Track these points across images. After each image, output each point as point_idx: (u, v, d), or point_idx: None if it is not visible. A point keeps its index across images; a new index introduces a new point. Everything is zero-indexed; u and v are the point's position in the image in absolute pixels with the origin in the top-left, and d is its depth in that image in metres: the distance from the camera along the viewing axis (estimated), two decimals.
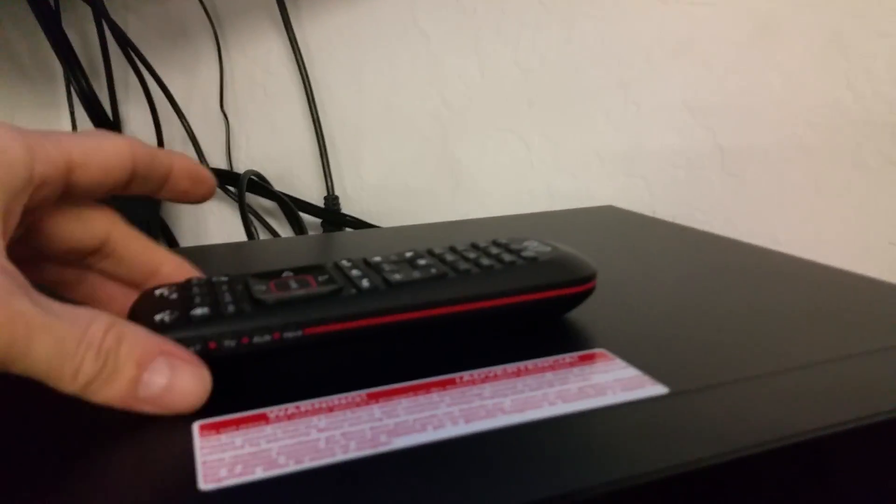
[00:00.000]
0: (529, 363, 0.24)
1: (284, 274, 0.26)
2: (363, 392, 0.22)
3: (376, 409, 0.21)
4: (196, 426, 0.20)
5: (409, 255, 0.27)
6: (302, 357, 0.25)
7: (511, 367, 0.24)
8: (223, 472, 0.18)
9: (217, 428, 0.20)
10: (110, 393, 0.19)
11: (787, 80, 0.51)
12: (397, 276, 0.25)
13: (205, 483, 0.17)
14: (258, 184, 0.68)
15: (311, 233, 0.69)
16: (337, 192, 0.68)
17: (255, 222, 0.70)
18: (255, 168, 0.70)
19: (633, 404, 0.21)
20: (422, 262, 0.26)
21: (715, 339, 0.26)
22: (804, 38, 0.50)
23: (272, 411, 0.21)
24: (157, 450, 0.19)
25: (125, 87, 0.74)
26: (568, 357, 0.25)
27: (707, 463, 0.18)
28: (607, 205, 0.56)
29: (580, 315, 0.28)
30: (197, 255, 0.28)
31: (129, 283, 0.27)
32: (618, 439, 0.19)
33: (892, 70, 0.47)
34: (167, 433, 0.20)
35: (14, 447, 0.19)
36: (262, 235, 0.71)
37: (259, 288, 0.24)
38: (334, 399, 0.22)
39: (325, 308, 0.23)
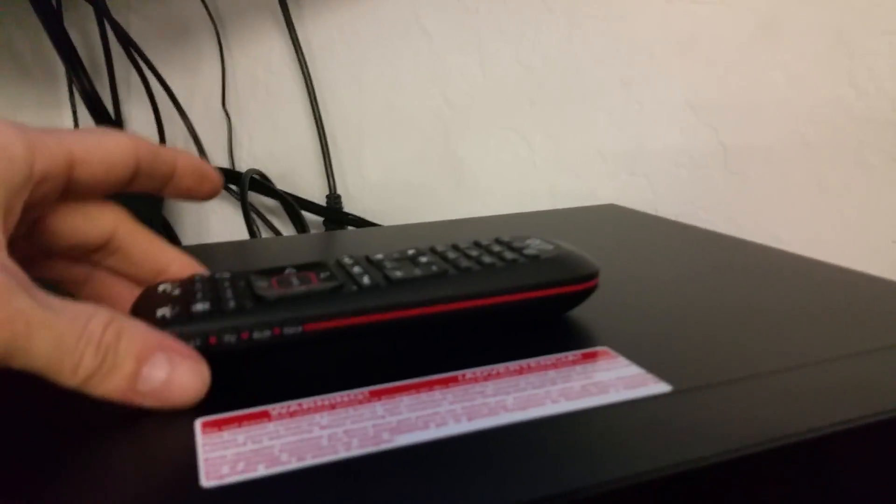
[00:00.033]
0: (532, 361, 0.24)
1: (287, 271, 0.26)
2: (365, 389, 0.22)
3: (379, 407, 0.21)
4: (198, 423, 0.20)
5: (411, 252, 0.27)
6: (304, 354, 0.25)
7: (514, 364, 0.24)
8: (225, 470, 0.18)
9: (219, 425, 0.20)
10: (110, 387, 0.20)
11: (790, 79, 0.51)
12: (398, 274, 0.25)
13: (207, 480, 0.17)
14: (260, 182, 0.68)
15: (313, 231, 0.69)
16: (339, 191, 0.68)
17: (258, 221, 0.70)
18: (257, 167, 0.70)
19: (636, 402, 0.21)
20: (423, 259, 0.26)
21: (717, 337, 0.26)
22: (807, 36, 0.50)
23: (274, 408, 0.21)
24: (159, 447, 0.19)
25: (127, 87, 0.74)
26: (571, 355, 0.25)
27: (710, 461, 0.18)
28: (609, 203, 0.56)
29: (583, 313, 0.28)
30: (199, 253, 0.28)
31: (137, 281, 0.27)
32: (621, 437, 0.19)
33: None
34: (169, 430, 0.20)
35: (16, 444, 0.19)
36: (265, 234, 0.71)
37: (261, 284, 0.24)
38: (336, 396, 0.22)
39: (326, 305, 0.23)
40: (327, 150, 0.68)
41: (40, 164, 0.21)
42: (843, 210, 0.50)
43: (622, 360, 0.24)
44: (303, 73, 0.67)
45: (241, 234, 0.70)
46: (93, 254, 0.26)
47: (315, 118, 0.67)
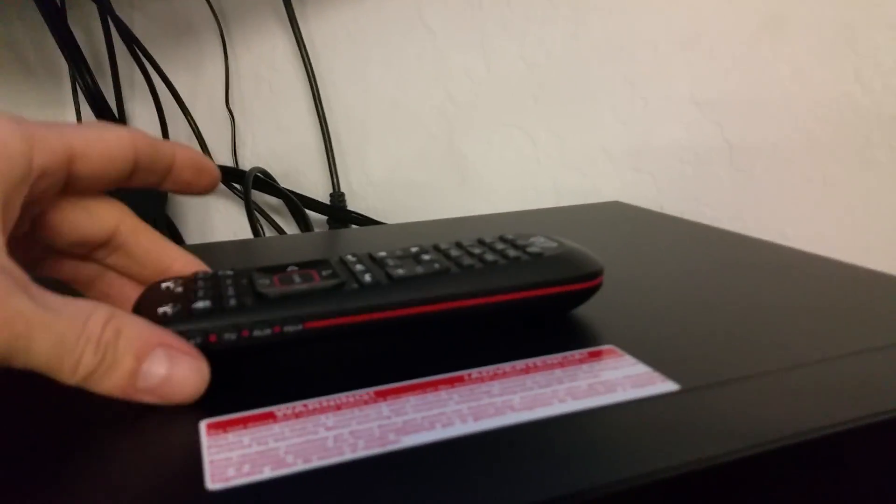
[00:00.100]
0: (538, 360, 0.24)
1: (289, 268, 0.26)
2: (371, 390, 0.22)
3: (384, 407, 0.21)
4: (203, 425, 0.20)
5: (414, 250, 0.27)
6: (308, 354, 0.25)
7: (520, 363, 0.24)
8: (231, 472, 0.18)
9: (224, 427, 0.20)
10: (110, 384, 0.20)
11: (796, 74, 0.50)
12: (400, 271, 0.25)
13: (212, 483, 0.17)
14: (264, 181, 0.67)
15: (316, 230, 0.69)
16: (343, 189, 0.68)
17: (261, 219, 0.69)
18: (260, 165, 0.70)
19: (644, 401, 0.21)
20: (426, 257, 0.26)
21: (725, 335, 0.26)
22: (812, 32, 0.49)
23: (279, 409, 0.21)
24: (163, 449, 0.19)
25: (131, 85, 0.74)
26: (577, 354, 0.24)
27: (720, 461, 0.18)
28: (614, 200, 0.56)
29: (588, 311, 0.28)
30: (202, 252, 0.28)
31: (141, 279, 0.27)
32: (629, 437, 0.19)
33: None
34: (174, 432, 0.20)
35: (20, 445, 0.19)
36: (268, 233, 0.71)
37: (262, 282, 0.24)
38: (342, 397, 0.22)
39: (326, 302, 0.23)
40: (331, 148, 0.68)
41: (39, 158, 0.21)
42: (849, 206, 0.50)
43: (629, 359, 0.24)
44: (306, 70, 0.67)
45: (245, 232, 0.70)
46: (96, 251, 0.26)
47: (318, 116, 0.67)
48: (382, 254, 0.27)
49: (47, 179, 0.22)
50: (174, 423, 0.20)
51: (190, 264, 0.27)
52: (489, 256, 0.26)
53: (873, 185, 0.49)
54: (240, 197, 0.72)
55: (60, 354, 0.19)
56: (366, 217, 0.67)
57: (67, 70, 0.74)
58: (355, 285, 0.24)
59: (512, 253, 0.27)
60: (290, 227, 0.71)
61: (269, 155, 0.73)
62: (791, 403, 0.21)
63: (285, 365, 0.24)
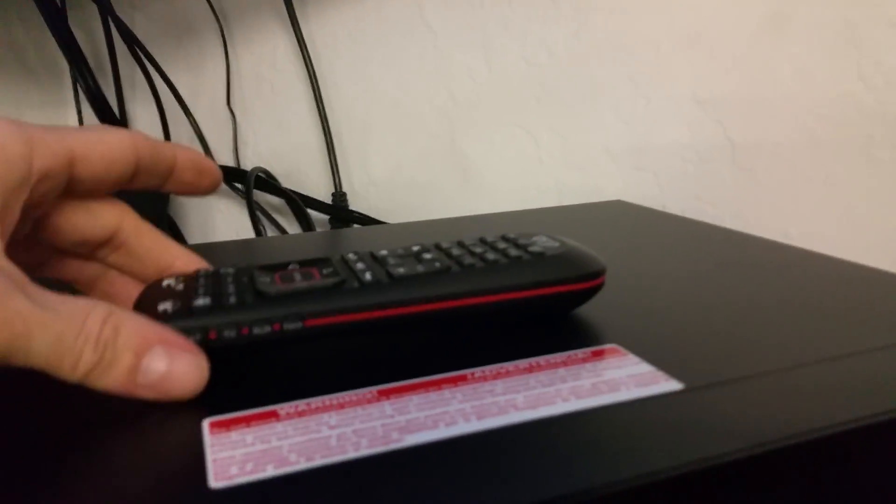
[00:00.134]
0: (541, 359, 0.24)
1: (290, 266, 0.26)
2: (374, 389, 0.22)
3: (387, 406, 0.21)
4: (206, 423, 0.20)
5: (415, 248, 0.27)
6: (310, 352, 0.25)
7: (523, 363, 0.24)
8: (234, 470, 0.18)
9: (227, 425, 0.20)
10: (109, 381, 0.20)
11: (798, 73, 0.50)
12: (401, 270, 0.25)
13: (215, 481, 0.17)
14: (266, 181, 0.67)
15: (318, 229, 0.69)
16: (345, 189, 0.68)
17: (263, 219, 0.69)
18: (262, 165, 0.70)
19: (648, 400, 0.21)
20: (427, 256, 0.26)
21: (728, 334, 0.26)
22: (815, 30, 0.49)
23: (282, 408, 0.21)
24: (166, 447, 0.19)
25: (132, 85, 0.74)
26: (580, 353, 0.24)
27: (724, 460, 0.18)
28: (616, 199, 0.56)
29: (590, 310, 0.28)
30: (205, 252, 0.28)
31: (144, 279, 0.27)
32: (633, 436, 0.19)
33: None
34: (177, 431, 0.20)
35: (22, 444, 0.19)
36: (270, 232, 0.71)
37: (263, 279, 0.24)
38: (345, 396, 0.22)
39: (327, 300, 0.23)
40: (333, 147, 0.67)
41: (40, 161, 0.21)
42: (851, 205, 0.50)
43: (632, 358, 0.24)
44: (308, 70, 0.67)
45: (247, 232, 0.70)
46: (98, 250, 0.26)
47: (320, 116, 0.67)
48: (383, 252, 0.27)
49: (48, 182, 0.22)
50: (177, 422, 0.20)
51: (192, 262, 0.27)
52: (490, 256, 0.26)
53: (876, 183, 0.49)
54: (242, 197, 0.72)
55: (60, 352, 0.19)
56: (368, 217, 0.67)
57: (68, 70, 0.74)
58: (356, 284, 0.24)
59: (513, 252, 0.26)
60: (292, 227, 0.71)
61: (270, 155, 0.73)
62: (795, 403, 0.21)
63: (288, 363, 0.24)
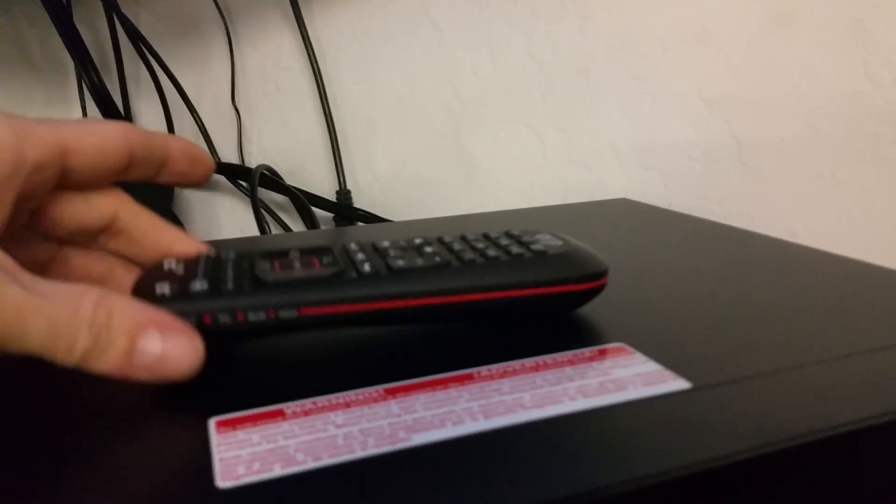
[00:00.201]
0: (548, 357, 0.24)
1: (291, 254, 0.26)
2: (380, 387, 0.22)
3: (394, 405, 0.21)
4: (212, 423, 0.20)
5: (417, 241, 0.27)
6: (315, 350, 0.25)
7: (529, 361, 0.24)
8: (241, 470, 0.18)
9: (233, 424, 0.20)
10: (106, 364, 0.20)
11: (805, 71, 0.50)
12: (400, 263, 0.25)
13: (222, 481, 0.17)
14: (270, 178, 0.67)
15: (323, 227, 0.69)
16: (349, 187, 0.68)
17: (267, 217, 0.69)
18: (266, 162, 0.70)
19: (656, 399, 0.21)
20: (428, 249, 0.26)
21: (734, 332, 0.26)
22: (822, 28, 0.49)
23: (288, 407, 0.21)
24: (173, 447, 0.19)
25: (136, 82, 0.74)
26: (587, 351, 0.24)
27: (733, 459, 0.18)
28: (622, 197, 0.56)
29: (596, 309, 0.28)
30: None
31: (146, 265, 0.27)
32: (641, 435, 0.19)
33: None
34: (183, 430, 0.20)
35: (28, 443, 0.19)
36: (275, 230, 0.70)
37: (262, 266, 0.24)
38: (351, 395, 0.21)
39: (323, 290, 0.23)
40: (337, 145, 0.67)
41: (32, 152, 0.21)
42: (858, 203, 0.50)
43: (639, 357, 0.24)
44: (312, 68, 0.67)
45: (252, 230, 0.70)
46: (97, 237, 0.26)
47: (325, 113, 0.67)
48: (385, 244, 0.27)
49: (41, 173, 0.22)
50: (183, 421, 0.20)
51: (192, 245, 0.27)
52: (492, 252, 0.26)
53: (883, 181, 0.49)
54: (246, 194, 0.72)
55: (55, 338, 0.19)
56: (372, 214, 0.67)
57: (73, 68, 0.74)
58: (354, 274, 0.24)
59: (515, 249, 0.26)
60: (297, 225, 0.71)
61: (275, 152, 0.73)
62: (804, 401, 0.21)
63: (293, 362, 0.24)
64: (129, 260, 0.27)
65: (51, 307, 0.19)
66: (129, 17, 0.67)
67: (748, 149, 0.53)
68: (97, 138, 0.24)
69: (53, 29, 0.64)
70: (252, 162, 0.73)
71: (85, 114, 0.75)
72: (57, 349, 0.19)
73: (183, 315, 0.21)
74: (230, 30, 0.71)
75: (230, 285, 0.23)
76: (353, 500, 0.16)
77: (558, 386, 0.22)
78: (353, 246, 0.27)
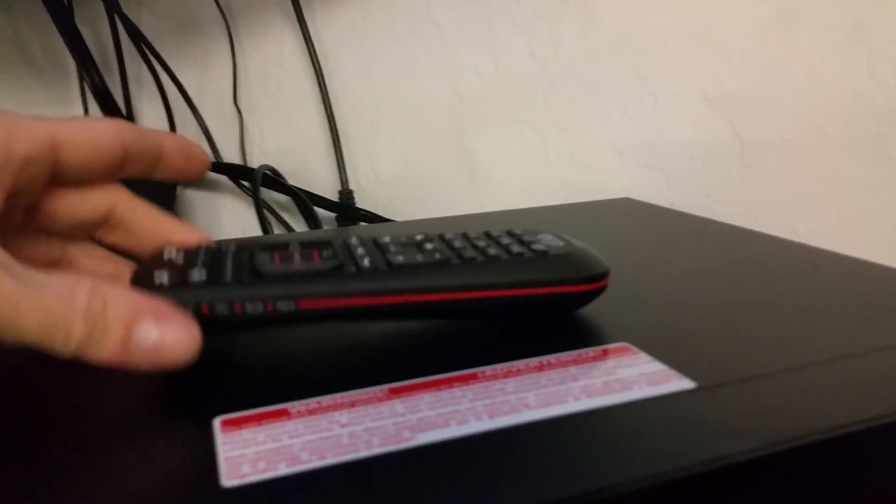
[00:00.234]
0: (552, 357, 0.24)
1: (291, 246, 0.26)
2: (384, 387, 0.22)
3: (398, 405, 0.21)
4: (217, 422, 0.20)
5: (418, 238, 0.27)
6: (319, 350, 0.25)
7: (533, 361, 0.24)
8: (246, 469, 0.18)
9: (239, 423, 0.20)
10: (103, 353, 0.20)
11: (808, 69, 0.50)
12: (400, 259, 0.25)
13: (227, 480, 0.17)
14: (272, 178, 0.67)
15: (325, 227, 0.69)
16: (351, 186, 0.68)
17: (270, 217, 0.69)
18: (268, 162, 0.70)
19: (661, 399, 0.21)
20: (429, 246, 0.26)
21: (738, 332, 0.26)
22: (825, 26, 0.49)
23: (293, 406, 0.21)
24: (177, 445, 0.19)
25: (138, 83, 0.74)
26: (591, 351, 0.24)
27: (739, 459, 0.18)
28: (624, 197, 0.56)
29: (599, 308, 0.28)
30: None
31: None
32: (646, 435, 0.19)
33: None
34: (188, 428, 0.20)
35: (32, 442, 0.19)
36: (277, 230, 0.70)
37: (262, 258, 0.24)
38: (355, 394, 0.21)
39: (322, 283, 0.23)
40: (339, 145, 0.67)
41: (21, 146, 0.22)
42: (861, 202, 0.50)
43: (644, 356, 0.24)
44: (314, 68, 0.67)
45: (254, 230, 0.70)
46: (95, 231, 0.26)
47: (327, 113, 0.67)
48: (386, 239, 0.27)
49: (32, 168, 0.22)
50: (188, 420, 0.20)
51: (191, 235, 0.27)
52: (492, 251, 0.26)
53: (885, 180, 0.49)
54: (248, 195, 0.72)
55: (50, 328, 0.19)
56: (374, 214, 0.67)
57: (75, 68, 0.74)
58: (353, 269, 0.24)
59: (516, 249, 0.26)
60: (299, 225, 0.71)
61: (277, 152, 0.73)
62: (808, 401, 0.21)
63: (297, 361, 0.24)
64: (130, 253, 0.27)
65: (45, 298, 0.19)
66: (131, 17, 0.67)
67: (751, 148, 0.53)
68: (89, 133, 0.24)
69: (55, 29, 0.64)
70: (254, 162, 0.73)
71: (87, 114, 0.75)
72: (53, 339, 0.19)
73: (180, 304, 0.21)
74: (232, 30, 0.71)
75: (229, 276, 0.23)
76: (358, 500, 0.16)
77: (563, 386, 0.22)
78: (353, 240, 0.27)
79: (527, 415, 0.20)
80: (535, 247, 0.26)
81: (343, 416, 0.20)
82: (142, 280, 0.22)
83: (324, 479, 0.17)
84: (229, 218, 0.76)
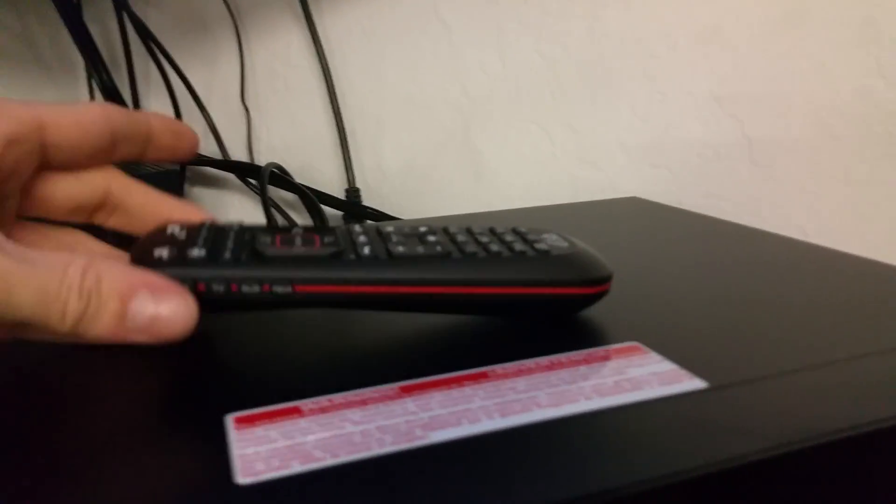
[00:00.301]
0: (562, 356, 0.24)
1: (294, 231, 0.26)
2: (395, 385, 0.22)
3: (410, 403, 0.21)
4: (231, 419, 0.20)
5: (422, 229, 0.27)
6: (329, 347, 0.25)
7: (543, 360, 0.24)
8: (260, 466, 0.18)
9: (251, 420, 0.20)
10: (100, 328, 0.20)
11: (817, 68, 0.50)
12: (400, 249, 0.25)
13: (242, 477, 0.17)
14: (279, 176, 0.67)
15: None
16: (358, 184, 0.68)
17: (277, 215, 0.70)
18: (276, 160, 0.70)
19: (673, 399, 0.21)
20: (431, 238, 0.26)
21: (749, 332, 0.26)
22: (834, 25, 0.49)
23: (305, 404, 0.21)
24: (191, 442, 0.19)
25: (146, 80, 0.75)
26: (601, 350, 0.24)
27: (752, 459, 0.18)
28: (632, 196, 0.55)
29: (608, 308, 0.28)
30: None
31: None
32: (658, 435, 0.19)
33: None
34: (200, 425, 0.20)
35: (46, 440, 0.19)
36: None
37: (263, 240, 0.24)
38: (366, 392, 0.22)
39: (319, 269, 0.23)
40: (346, 143, 0.67)
41: (4, 127, 0.22)
42: (870, 202, 0.50)
43: (654, 356, 0.24)
44: (321, 66, 0.67)
45: None
46: (93, 215, 0.26)
47: (334, 111, 0.67)
48: (389, 229, 0.27)
49: (18, 148, 0.22)
50: (200, 417, 0.20)
51: (190, 212, 0.27)
52: (494, 247, 0.26)
53: (895, 179, 0.48)
54: (256, 192, 0.72)
55: (45, 303, 0.19)
56: (381, 212, 0.67)
57: (83, 66, 0.74)
58: (352, 256, 0.24)
59: (519, 247, 0.26)
60: (306, 223, 0.71)
61: (284, 150, 0.73)
62: (822, 401, 0.21)
63: (308, 359, 0.24)
64: (133, 237, 0.27)
65: (38, 274, 0.19)
66: (139, 15, 0.67)
67: (759, 147, 0.53)
68: (75, 115, 0.24)
69: (63, 27, 0.65)
70: (261, 160, 0.73)
71: None
72: (49, 315, 0.19)
73: (178, 280, 0.21)
74: (239, 28, 0.71)
75: (228, 255, 0.23)
76: (374, 498, 0.16)
77: (573, 385, 0.22)
78: (357, 228, 0.27)
79: (538, 414, 0.20)
80: (538, 246, 0.26)
81: (355, 413, 0.20)
82: (141, 255, 0.23)
83: (338, 476, 0.17)
84: (236, 215, 0.76)
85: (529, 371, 0.23)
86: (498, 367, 0.23)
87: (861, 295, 0.29)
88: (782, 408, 0.20)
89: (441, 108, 0.65)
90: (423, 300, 0.24)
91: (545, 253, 0.26)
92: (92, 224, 0.27)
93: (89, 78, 0.74)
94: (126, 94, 0.70)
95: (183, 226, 0.25)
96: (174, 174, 0.66)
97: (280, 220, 0.70)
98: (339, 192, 0.68)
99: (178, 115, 0.70)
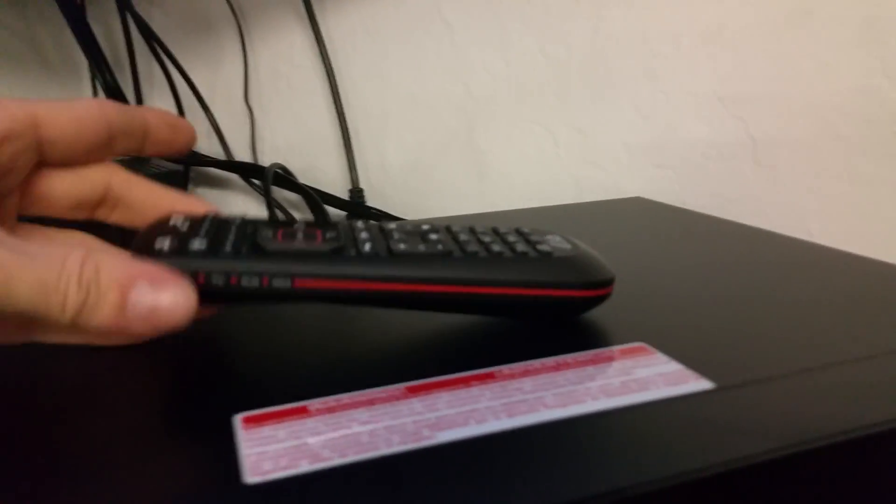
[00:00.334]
0: (569, 357, 0.24)
1: (296, 225, 0.26)
2: (402, 385, 0.22)
3: (417, 403, 0.21)
4: (238, 419, 0.20)
5: (425, 227, 0.27)
6: (335, 347, 0.25)
7: (550, 360, 0.24)
8: (268, 465, 0.18)
9: (259, 420, 0.20)
10: (100, 318, 0.20)
11: (821, 68, 0.50)
12: (401, 247, 0.24)
13: (250, 476, 0.17)
14: (283, 177, 0.67)
15: None
16: (362, 185, 0.68)
17: (281, 215, 0.70)
18: (279, 161, 0.70)
19: (679, 399, 0.21)
20: (433, 236, 0.26)
21: (755, 332, 0.26)
22: (838, 24, 0.49)
23: (312, 404, 0.21)
24: (198, 441, 0.19)
25: (150, 81, 0.75)
26: (608, 351, 0.24)
27: (759, 459, 0.18)
28: (636, 196, 0.55)
29: (614, 308, 0.28)
30: None
31: None
32: (665, 435, 0.19)
33: None
34: (208, 425, 0.20)
35: (53, 439, 0.19)
36: None
37: (264, 234, 0.24)
38: (373, 392, 0.22)
39: (319, 264, 0.23)
40: (350, 143, 0.67)
41: None
42: (875, 202, 0.50)
43: (661, 357, 0.24)
44: (325, 66, 0.67)
45: None
46: (94, 211, 0.26)
47: (337, 111, 0.67)
48: (392, 226, 0.27)
49: (13, 144, 0.22)
50: (208, 417, 0.20)
51: (194, 205, 0.27)
52: (496, 247, 0.26)
53: None
54: (259, 193, 0.72)
55: (45, 294, 0.19)
56: (384, 212, 0.67)
57: (87, 67, 0.74)
58: (353, 252, 0.24)
59: (521, 248, 0.26)
60: None
61: (287, 150, 0.73)
62: (829, 402, 0.21)
63: (315, 359, 0.24)
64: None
65: (36, 265, 0.19)
66: (143, 15, 0.67)
67: (763, 147, 0.53)
68: (71, 111, 0.24)
69: (67, 28, 0.65)
70: (265, 160, 0.73)
71: None
72: (49, 306, 0.19)
73: (178, 271, 0.21)
74: (243, 28, 0.71)
75: (228, 248, 0.23)
76: (382, 497, 0.16)
77: (580, 385, 0.22)
78: (359, 225, 0.27)
79: (545, 414, 0.20)
80: (541, 247, 0.26)
81: (362, 413, 0.20)
82: (143, 241, 0.23)
83: (346, 476, 0.17)
84: None
85: (536, 371, 0.23)
86: (505, 368, 0.23)
87: (866, 295, 0.29)
88: (789, 408, 0.20)
89: (444, 108, 0.65)
90: (422, 298, 0.24)
91: (547, 254, 0.26)
92: (95, 220, 0.27)
93: (93, 78, 0.74)
94: (130, 95, 0.70)
95: (186, 217, 0.25)
96: (178, 175, 0.66)
97: None
98: (342, 192, 0.68)
99: (181, 115, 0.70)
